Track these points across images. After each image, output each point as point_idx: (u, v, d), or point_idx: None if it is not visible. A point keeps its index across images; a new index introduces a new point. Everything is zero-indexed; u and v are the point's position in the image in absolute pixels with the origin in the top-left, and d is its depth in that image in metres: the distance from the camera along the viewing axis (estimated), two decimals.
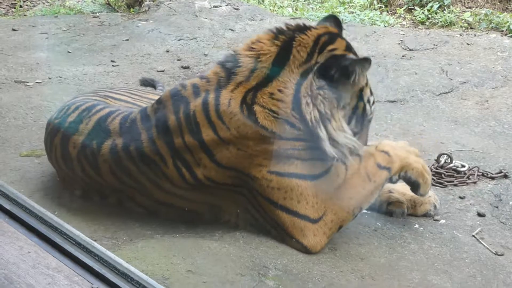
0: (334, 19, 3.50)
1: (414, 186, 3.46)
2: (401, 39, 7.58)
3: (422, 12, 8.66)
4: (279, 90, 3.13)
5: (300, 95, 3.13)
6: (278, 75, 3.15)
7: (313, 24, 3.43)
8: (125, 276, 1.94)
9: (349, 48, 3.29)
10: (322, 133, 3.13)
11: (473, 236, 3.43)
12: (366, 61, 3.21)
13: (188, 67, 6.78)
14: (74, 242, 2.07)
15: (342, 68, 3.15)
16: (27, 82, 6.13)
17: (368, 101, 3.36)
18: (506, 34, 7.60)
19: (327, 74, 3.15)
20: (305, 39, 3.20)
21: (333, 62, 3.16)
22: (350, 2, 9.77)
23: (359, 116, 3.33)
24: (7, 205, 2.27)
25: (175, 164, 3.24)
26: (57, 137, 3.66)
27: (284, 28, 3.26)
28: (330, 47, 3.21)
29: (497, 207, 3.75)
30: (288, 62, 3.16)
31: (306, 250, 3.14)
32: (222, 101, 3.17)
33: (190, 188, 3.27)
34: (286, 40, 3.20)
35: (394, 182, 3.48)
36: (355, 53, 3.31)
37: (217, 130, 3.15)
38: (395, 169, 3.37)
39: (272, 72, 3.16)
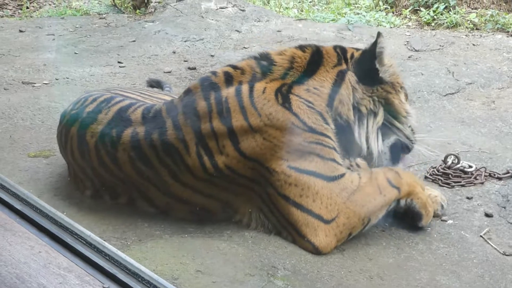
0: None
1: (417, 216, 3.41)
2: (407, 40, 7.57)
3: (428, 13, 8.65)
4: (315, 88, 3.32)
5: (337, 93, 3.35)
6: (314, 74, 3.35)
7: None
8: (136, 275, 1.94)
9: (357, 48, 3.58)
10: (359, 131, 3.42)
11: (481, 236, 3.43)
12: (379, 35, 3.42)
13: (194, 68, 6.79)
14: (85, 242, 2.08)
15: (373, 56, 3.43)
16: (35, 83, 6.15)
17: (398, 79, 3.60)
18: None
19: (362, 71, 3.44)
20: (327, 48, 3.49)
21: (362, 60, 3.46)
22: (356, 3, 9.76)
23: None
24: (18, 205, 2.27)
25: (198, 152, 3.26)
26: (73, 128, 3.66)
27: (305, 44, 3.54)
28: (348, 53, 3.50)
29: (504, 208, 3.74)
30: (322, 64, 3.39)
31: (316, 250, 3.15)
32: (256, 88, 3.28)
33: (207, 179, 3.29)
34: (313, 50, 3.46)
35: (402, 208, 3.40)
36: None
37: (247, 116, 3.22)
38: (404, 192, 3.36)
39: (307, 72, 3.36)
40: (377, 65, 3.43)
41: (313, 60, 3.39)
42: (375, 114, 3.44)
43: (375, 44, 3.42)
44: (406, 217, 3.44)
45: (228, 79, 3.37)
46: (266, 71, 3.35)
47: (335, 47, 3.53)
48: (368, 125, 3.43)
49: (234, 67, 3.44)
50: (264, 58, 3.43)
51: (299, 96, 3.27)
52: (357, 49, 3.58)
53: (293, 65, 3.36)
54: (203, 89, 3.37)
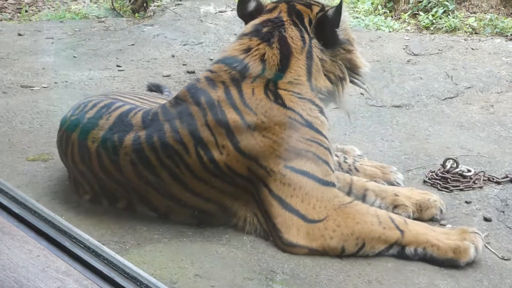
0: None
1: (451, 262, 3.15)
2: (406, 44, 7.58)
3: (427, 17, 8.67)
4: (295, 79, 3.40)
5: (313, 75, 3.45)
6: (288, 67, 3.41)
7: None
8: (135, 279, 1.94)
9: (309, 5, 3.62)
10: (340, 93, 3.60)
11: None
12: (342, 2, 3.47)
13: (193, 72, 6.80)
14: (83, 246, 2.07)
15: (336, 24, 3.49)
16: (33, 87, 6.15)
17: None
18: (510, 39, 7.60)
19: (324, 38, 3.52)
20: (289, 30, 3.49)
21: (323, 28, 3.52)
22: (355, 7, 9.77)
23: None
24: (16, 209, 2.26)
25: (197, 153, 3.29)
26: (74, 133, 3.67)
27: (266, 29, 3.50)
28: (305, 19, 3.54)
29: (503, 212, 3.74)
30: (292, 55, 3.43)
31: (292, 249, 3.17)
32: (245, 90, 3.34)
33: (207, 179, 3.31)
34: (279, 39, 3.45)
35: (410, 257, 3.17)
36: (316, 3, 3.66)
37: (244, 116, 3.27)
38: (408, 238, 3.18)
39: (283, 67, 3.40)
40: (338, 31, 3.54)
41: (284, 56, 3.42)
42: (343, 79, 3.60)
43: (338, 12, 3.46)
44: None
45: (211, 83, 3.42)
46: (244, 74, 3.38)
47: (291, 18, 3.53)
48: (340, 91, 3.60)
49: (211, 71, 3.49)
50: (235, 61, 3.44)
51: (287, 90, 3.35)
52: (310, 7, 3.60)
53: (266, 65, 3.39)
54: (192, 96, 3.42)
